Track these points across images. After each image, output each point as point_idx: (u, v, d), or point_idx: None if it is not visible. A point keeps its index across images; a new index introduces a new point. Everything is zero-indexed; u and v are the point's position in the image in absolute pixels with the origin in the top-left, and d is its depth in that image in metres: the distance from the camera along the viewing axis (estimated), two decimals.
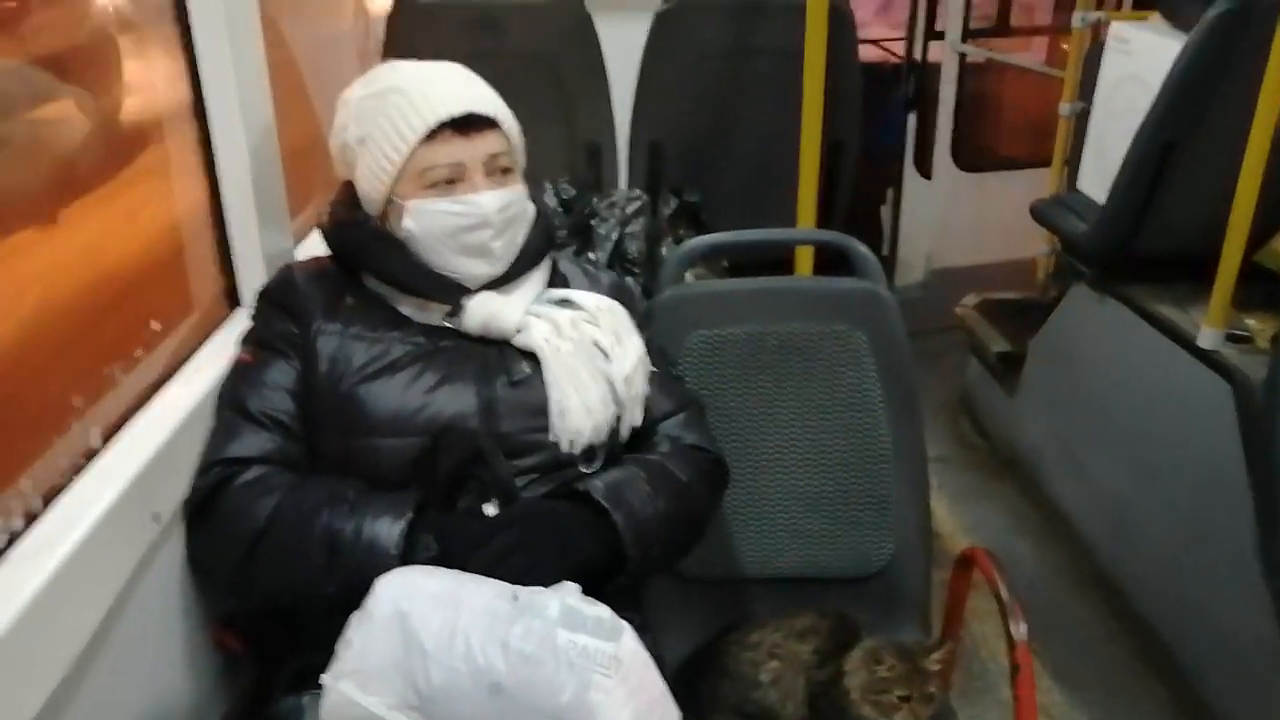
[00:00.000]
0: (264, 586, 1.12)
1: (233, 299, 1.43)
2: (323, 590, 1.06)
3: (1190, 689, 2.13)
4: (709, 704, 1.44)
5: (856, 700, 1.34)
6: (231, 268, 1.43)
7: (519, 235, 1.28)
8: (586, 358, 1.25)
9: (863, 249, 1.65)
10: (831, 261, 1.87)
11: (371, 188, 1.24)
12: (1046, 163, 3.12)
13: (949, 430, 3.32)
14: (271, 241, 1.46)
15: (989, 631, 2.35)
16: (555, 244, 1.38)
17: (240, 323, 1.33)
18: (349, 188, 1.30)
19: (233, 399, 1.21)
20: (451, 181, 1.21)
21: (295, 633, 1.17)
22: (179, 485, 1.15)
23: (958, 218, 3.93)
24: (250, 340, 1.26)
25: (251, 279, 1.41)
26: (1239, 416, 2.00)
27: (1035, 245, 3.31)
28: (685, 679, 1.49)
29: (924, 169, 3.88)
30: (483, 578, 0.98)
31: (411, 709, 0.87)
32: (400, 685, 0.87)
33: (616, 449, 1.30)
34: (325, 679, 0.90)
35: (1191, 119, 2.18)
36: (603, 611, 0.96)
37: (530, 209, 1.31)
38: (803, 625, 1.45)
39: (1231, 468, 1.99)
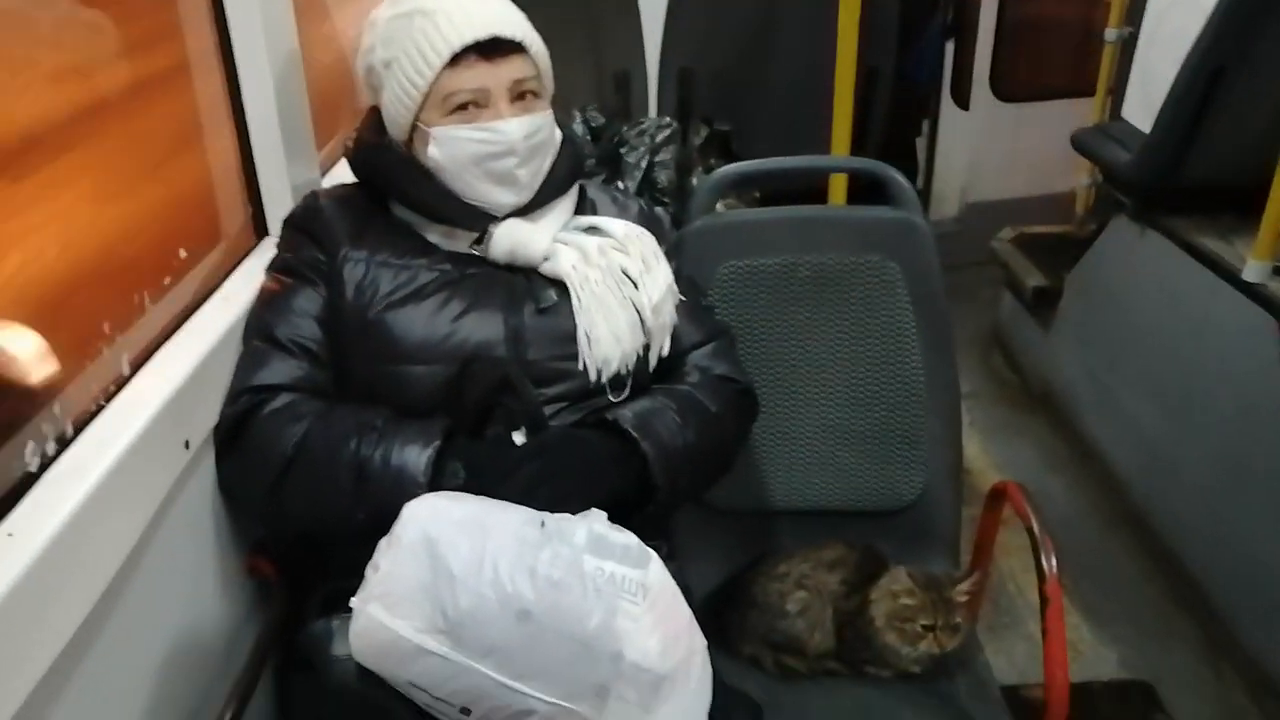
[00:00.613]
0: (293, 513, 1.13)
1: (260, 229, 1.42)
2: (352, 517, 1.07)
3: (1222, 627, 2.12)
4: (736, 634, 1.45)
5: (881, 628, 1.34)
6: (258, 197, 1.42)
7: (545, 162, 1.25)
8: (615, 285, 1.23)
9: (899, 177, 1.61)
10: (865, 192, 1.82)
11: (397, 113, 1.22)
12: (1087, 93, 3.03)
13: (981, 365, 3.28)
14: (298, 171, 1.44)
15: (1017, 566, 2.34)
16: (584, 171, 1.36)
17: (267, 252, 1.32)
18: (375, 113, 1.28)
19: (260, 327, 1.21)
20: (477, 106, 1.19)
21: (325, 559, 1.18)
22: (209, 413, 1.15)
23: (995, 149, 3.84)
24: (276, 267, 1.26)
25: (278, 209, 1.40)
26: None
27: (1074, 179, 3.23)
28: (712, 609, 1.49)
29: (961, 99, 3.78)
30: (510, 504, 0.98)
31: (439, 633, 0.87)
32: (428, 609, 0.88)
33: (645, 379, 1.29)
34: (354, 602, 0.90)
35: (1243, 43, 2.09)
36: (630, 539, 0.95)
37: (557, 135, 1.28)
38: (831, 556, 1.45)
39: (1273, 404, 1.95)
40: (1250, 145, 2.21)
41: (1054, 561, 1.32)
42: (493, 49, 1.18)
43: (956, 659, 1.43)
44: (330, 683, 1.00)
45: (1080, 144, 2.72)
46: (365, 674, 0.94)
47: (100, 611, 0.90)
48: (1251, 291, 2.06)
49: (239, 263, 1.36)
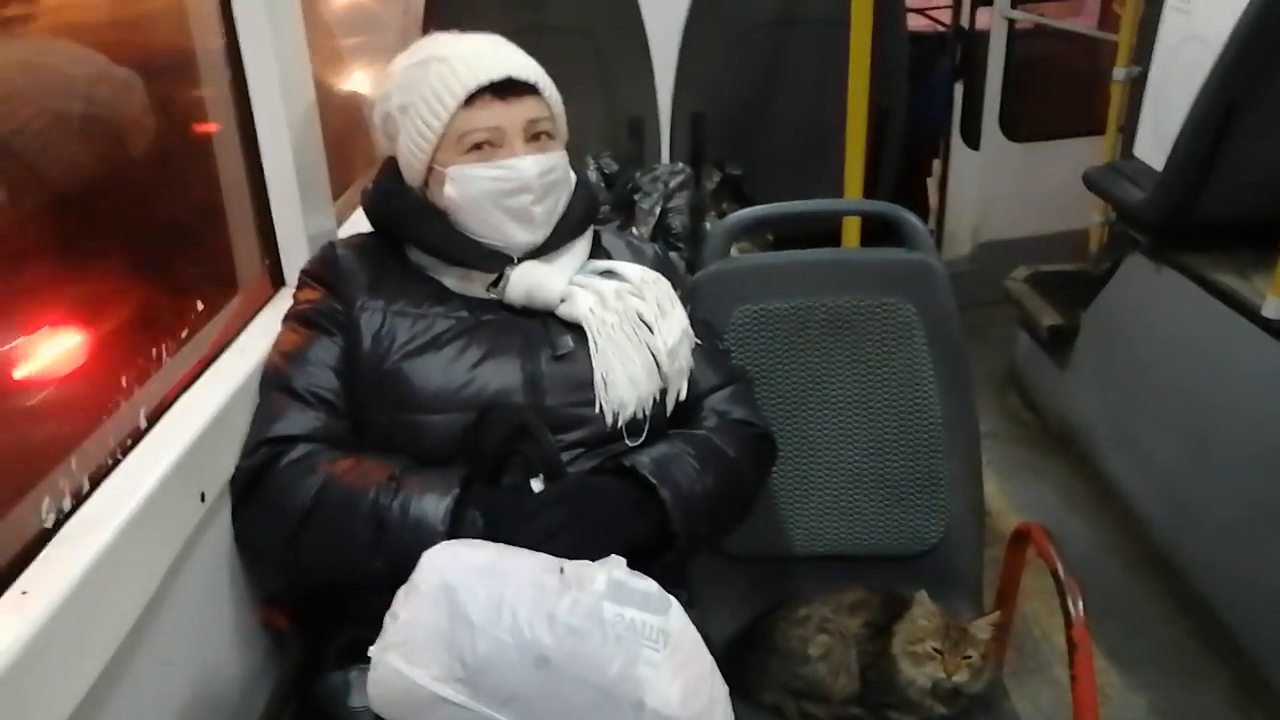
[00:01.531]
0: (311, 564, 1.12)
1: (277, 279, 1.43)
2: (370, 567, 1.06)
3: (1252, 669, 2.07)
4: (757, 681, 1.42)
5: (897, 654, 1.32)
6: (275, 248, 1.43)
7: (560, 202, 1.26)
8: (631, 329, 1.24)
9: (912, 218, 1.61)
10: (877, 234, 1.82)
11: (413, 156, 1.23)
12: (1096, 132, 3.03)
13: (997, 405, 3.26)
14: (314, 222, 1.46)
15: (1041, 610, 2.30)
16: (598, 214, 1.37)
17: (284, 302, 1.33)
18: (391, 163, 1.29)
19: (277, 378, 1.21)
20: (492, 145, 1.20)
21: (342, 609, 1.17)
22: (225, 464, 1.15)
23: (1005, 189, 3.84)
24: (293, 318, 1.26)
25: (295, 258, 1.41)
26: None
27: (1085, 217, 3.22)
28: (732, 657, 1.47)
29: (971, 139, 3.79)
30: (528, 551, 0.97)
31: (458, 681, 0.86)
32: (446, 657, 0.87)
33: (662, 424, 1.28)
34: (372, 651, 0.89)
35: (1256, 77, 2.09)
36: (650, 585, 0.94)
37: (571, 176, 1.29)
38: (852, 599, 1.43)
39: None
40: (1265, 180, 2.20)
41: (1081, 605, 1.29)
42: (507, 90, 1.20)
43: (982, 703, 1.40)
44: None
45: (1093, 182, 2.72)
46: None
47: (115, 667, 0.89)
48: (1271, 327, 2.04)
49: (256, 314, 1.37)
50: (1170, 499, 2.42)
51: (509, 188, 1.20)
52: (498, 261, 1.24)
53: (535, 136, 1.22)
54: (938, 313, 1.56)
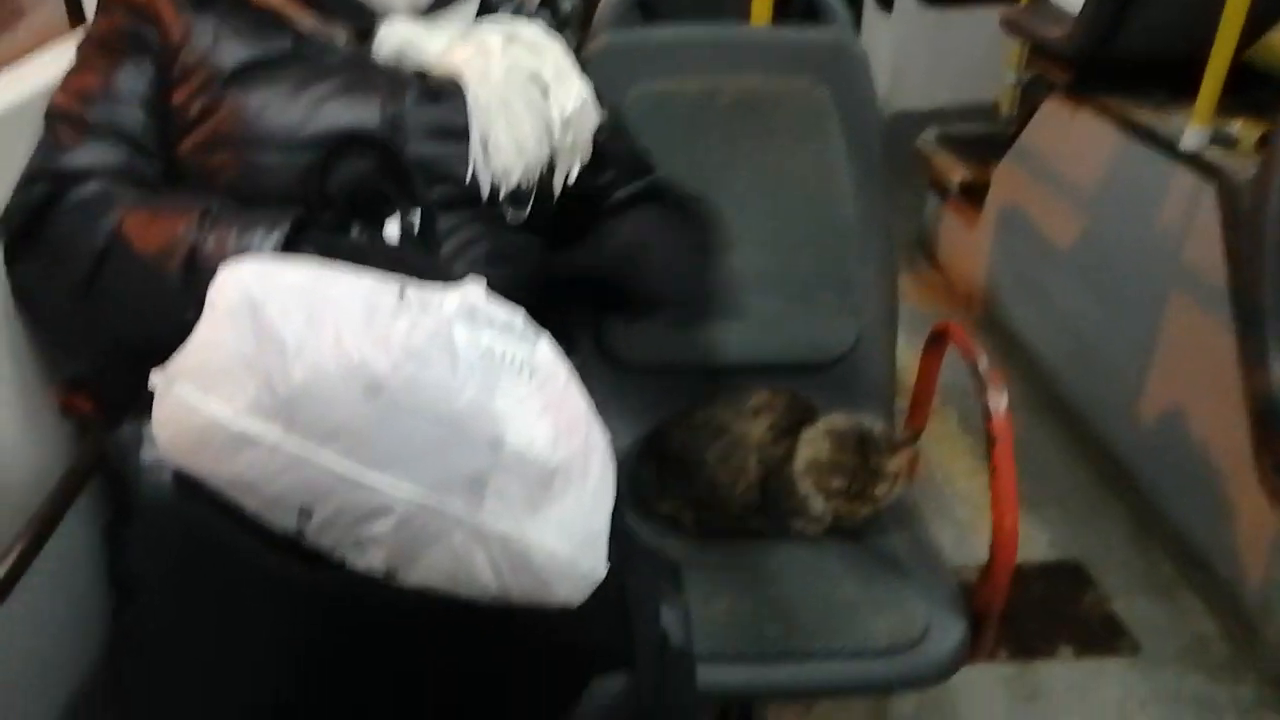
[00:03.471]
0: (109, 319, 0.92)
1: (76, 13, 1.19)
2: (180, 316, 0.85)
3: (1150, 506, 2.06)
4: (653, 491, 1.29)
5: (800, 471, 1.20)
6: None
7: None
8: (521, 88, 1.04)
9: None
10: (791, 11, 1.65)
11: None
12: None
13: (905, 270, 3.17)
14: None
15: (945, 454, 2.27)
16: None
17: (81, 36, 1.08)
18: None
19: (67, 109, 0.99)
20: None
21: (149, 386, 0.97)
22: None
23: (919, 56, 3.72)
24: (92, 43, 1.03)
25: None
26: (1222, 218, 1.87)
27: (999, 88, 3.13)
28: (626, 471, 1.33)
29: (884, 0, 3.65)
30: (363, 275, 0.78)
31: (267, 415, 0.69)
32: (252, 386, 0.69)
33: (548, 206, 1.10)
34: (155, 379, 0.71)
35: None
36: (515, 315, 0.77)
37: None
38: (755, 403, 1.30)
39: (1209, 275, 1.86)
40: (1188, 13, 2.11)
41: (1003, 400, 1.18)
42: None
43: (893, 517, 1.30)
44: (142, 497, 0.80)
45: (1011, 22, 2.60)
46: (183, 482, 0.75)
47: None
48: (1189, 160, 1.97)
49: (42, 46, 1.12)
50: (1076, 346, 2.38)
51: None
52: (364, 15, 1.04)
53: None
54: (854, 99, 1.41)
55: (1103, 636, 1.82)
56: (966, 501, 2.16)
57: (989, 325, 2.76)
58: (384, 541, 0.71)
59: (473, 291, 0.76)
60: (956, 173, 2.92)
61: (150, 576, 0.81)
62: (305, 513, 0.71)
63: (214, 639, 0.77)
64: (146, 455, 0.79)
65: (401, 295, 0.75)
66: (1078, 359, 2.37)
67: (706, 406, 1.31)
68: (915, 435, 1.30)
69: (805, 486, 1.21)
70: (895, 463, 1.22)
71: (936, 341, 1.36)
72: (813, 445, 1.21)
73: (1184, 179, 1.97)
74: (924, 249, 3.21)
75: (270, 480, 0.70)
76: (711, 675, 1.07)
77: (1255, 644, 1.76)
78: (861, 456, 1.21)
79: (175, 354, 0.71)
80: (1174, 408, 2.00)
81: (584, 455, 0.76)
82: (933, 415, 2.57)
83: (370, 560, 0.72)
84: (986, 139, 3.05)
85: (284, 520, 0.72)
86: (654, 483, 1.29)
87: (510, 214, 1.07)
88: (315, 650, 0.78)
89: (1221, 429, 1.84)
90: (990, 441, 1.17)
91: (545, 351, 0.77)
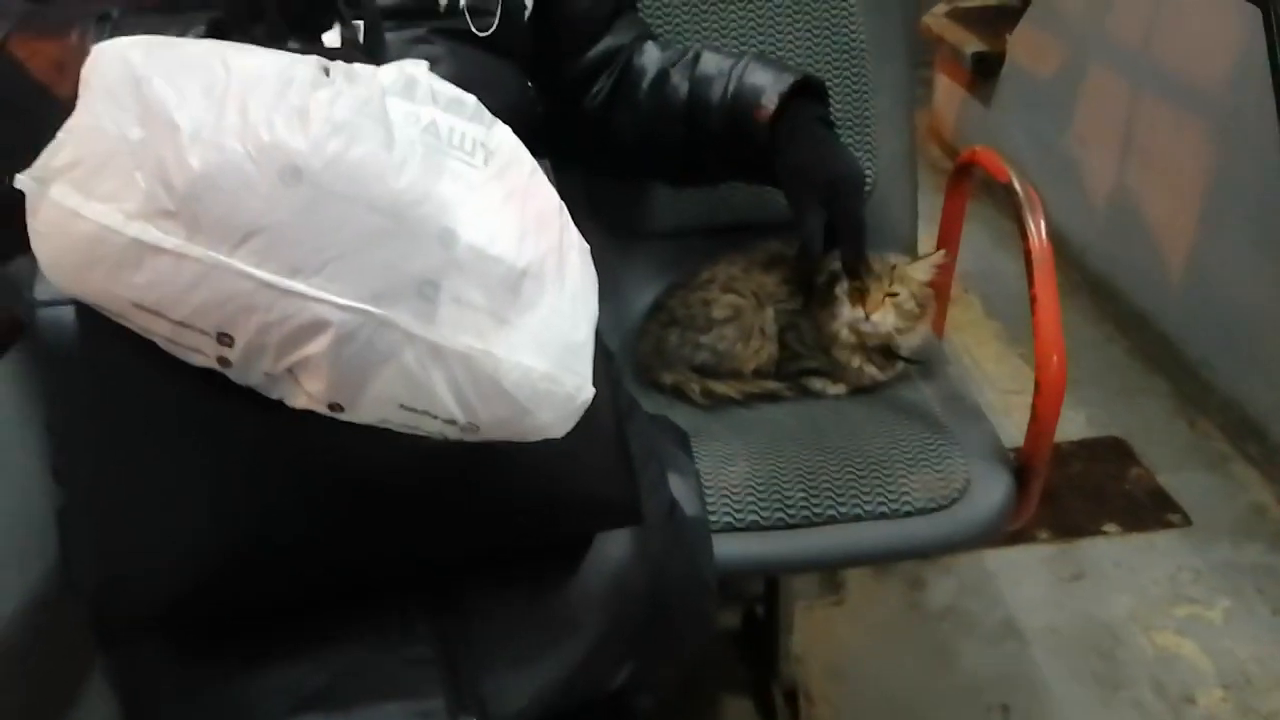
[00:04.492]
0: None
1: None
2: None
3: (1195, 378, 1.92)
4: (654, 360, 1.16)
5: (837, 298, 1.07)
6: None
7: None
8: None
9: None
10: None
11: None
12: None
13: (920, 159, 3.01)
14: None
15: (971, 341, 2.14)
16: None
17: None
18: None
19: None
20: None
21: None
22: None
23: None
24: None
25: None
26: (1270, 47, 1.70)
27: None
28: (627, 346, 1.21)
29: None
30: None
31: (164, 215, 0.56)
32: (143, 182, 0.56)
33: (520, 21, 0.96)
34: (23, 181, 0.58)
35: None
36: (467, 96, 0.64)
37: None
38: (765, 256, 1.17)
39: (1253, 118, 1.70)
40: None
41: (1042, 222, 1.05)
42: None
43: (920, 371, 1.18)
44: (41, 342, 0.68)
45: None
46: (86, 319, 0.63)
47: None
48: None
49: None
50: (1108, 218, 2.22)
51: None
52: None
53: None
54: None
55: (1151, 511, 1.70)
56: (995, 386, 2.04)
57: (1009, 208, 2.61)
58: (321, 366, 0.58)
59: (411, 64, 0.63)
60: (970, 45, 2.74)
61: (72, 435, 0.69)
62: (225, 338, 0.58)
63: (144, 498, 0.66)
64: (41, 291, 0.67)
65: (327, 72, 0.61)
66: (1112, 233, 2.22)
67: (712, 265, 1.17)
68: (944, 251, 1.17)
69: (821, 318, 1.08)
70: (920, 267, 1.11)
71: (962, 174, 1.22)
72: (839, 279, 1.08)
73: (1229, 4, 1.80)
74: (935, 138, 3.04)
75: (178, 300, 0.57)
76: (729, 546, 0.96)
77: None
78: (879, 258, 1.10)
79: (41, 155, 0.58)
80: (1220, 272, 1.86)
81: (558, 254, 0.63)
82: (957, 302, 2.45)
83: (310, 392, 0.60)
84: (997, 10, 2.87)
85: (202, 351, 0.59)
86: (656, 351, 1.16)
87: (474, 24, 0.92)
88: (266, 518, 0.67)
89: (1271, 286, 1.70)
90: (1029, 264, 1.04)
91: (505, 134, 0.64)
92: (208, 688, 0.72)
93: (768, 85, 1.00)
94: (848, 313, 1.07)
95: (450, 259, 0.58)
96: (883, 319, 1.07)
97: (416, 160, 0.58)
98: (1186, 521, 1.67)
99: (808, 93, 1.03)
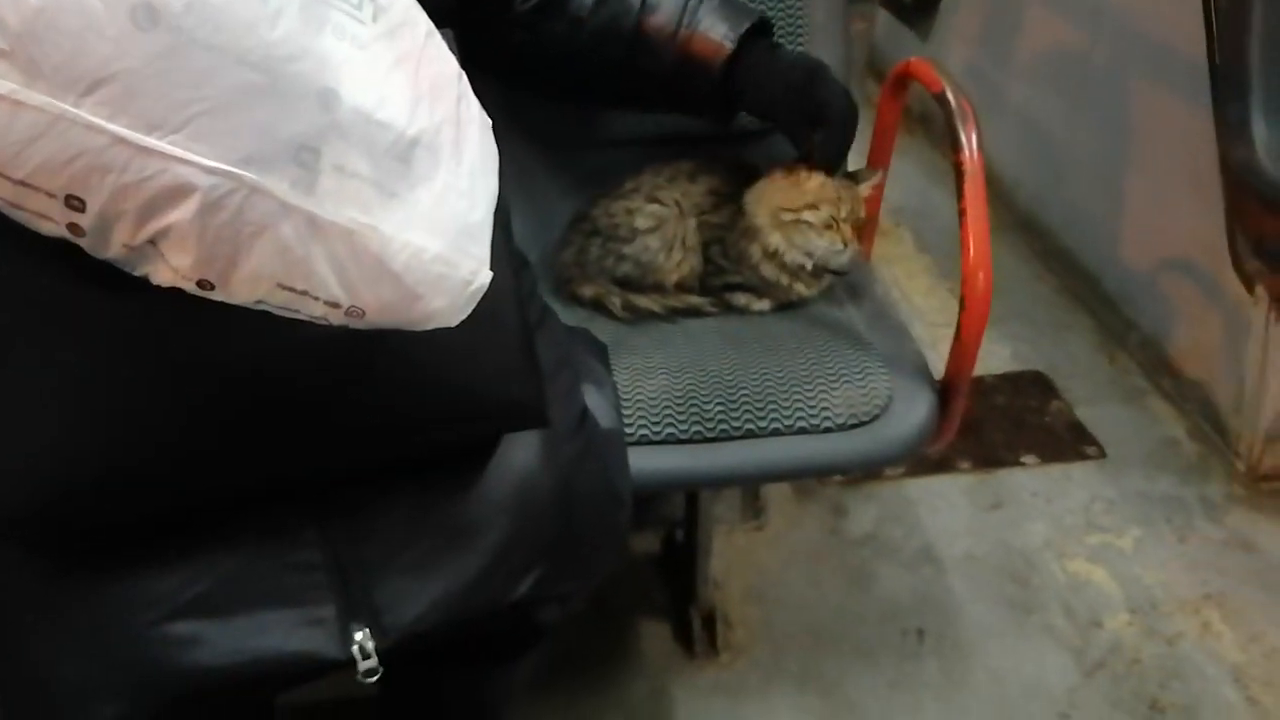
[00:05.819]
0: None
1: None
2: None
3: (1118, 314, 1.95)
4: (574, 273, 1.12)
5: (764, 226, 1.03)
6: None
7: None
8: None
9: None
10: None
11: None
12: None
13: (856, 95, 2.98)
14: None
15: (900, 274, 2.14)
16: None
17: None
18: None
19: None
20: None
21: None
22: None
23: None
24: None
25: None
26: None
27: None
28: (546, 261, 1.17)
29: None
30: None
31: None
32: None
33: None
34: None
35: None
36: None
37: None
38: (691, 166, 1.12)
39: (1185, 55, 1.69)
40: None
41: (974, 134, 1.02)
42: None
43: (847, 291, 1.15)
44: None
45: None
46: None
47: None
48: None
49: None
50: (1041, 156, 2.22)
51: None
52: None
53: None
54: None
55: (1068, 443, 1.72)
56: (923, 319, 2.04)
57: (942, 144, 2.60)
58: (187, 237, 0.53)
59: None
60: None
61: None
62: (75, 201, 0.52)
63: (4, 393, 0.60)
64: None
65: None
66: (1041, 171, 2.23)
67: (636, 175, 1.13)
68: (878, 171, 1.14)
69: (776, 240, 1.04)
70: (864, 188, 1.08)
71: (897, 84, 1.19)
72: (775, 193, 1.04)
73: None
74: (874, 75, 3.01)
75: (17, 156, 0.51)
76: (645, 460, 0.93)
77: (1226, 441, 1.67)
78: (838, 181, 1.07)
79: None
80: (1146, 211, 1.88)
81: (455, 126, 0.58)
82: (887, 235, 2.43)
83: (175, 266, 0.55)
84: None
85: (50, 216, 0.53)
86: (576, 263, 1.12)
87: None
88: (133, 415, 0.61)
89: (1195, 227, 1.71)
90: (959, 177, 1.01)
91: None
92: (73, 597, 0.67)
93: (725, 27, 1.00)
94: (828, 240, 1.03)
95: (331, 122, 0.53)
96: (855, 246, 1.04)
97: (294, 9, 0.52)
98: (1102, 454, 1.69)
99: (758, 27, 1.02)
